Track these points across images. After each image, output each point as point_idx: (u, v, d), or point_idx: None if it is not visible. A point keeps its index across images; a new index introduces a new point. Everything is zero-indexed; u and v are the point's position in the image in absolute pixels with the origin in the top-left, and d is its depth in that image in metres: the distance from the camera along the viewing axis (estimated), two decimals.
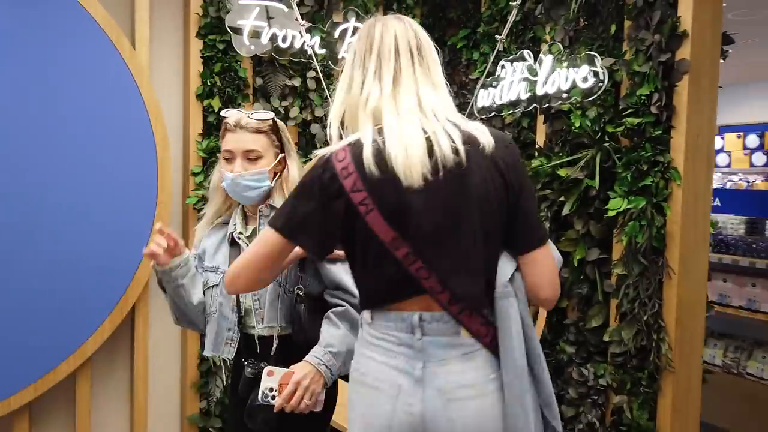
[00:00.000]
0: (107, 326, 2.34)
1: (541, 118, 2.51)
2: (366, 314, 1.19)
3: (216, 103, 2.51)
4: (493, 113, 2.72)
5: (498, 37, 2.34)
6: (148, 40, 2.40)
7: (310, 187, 1.12)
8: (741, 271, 3.54)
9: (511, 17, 2.23)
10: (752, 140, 5.55)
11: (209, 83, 2.50)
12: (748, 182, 5.71)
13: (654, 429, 2.04)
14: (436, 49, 1.20)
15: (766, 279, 3.42)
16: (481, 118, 2.80)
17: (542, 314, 2.16)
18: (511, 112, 2.61)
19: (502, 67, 2.57)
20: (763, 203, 4.01)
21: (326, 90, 2.66)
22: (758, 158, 5.56)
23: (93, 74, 2.26)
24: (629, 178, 2.04)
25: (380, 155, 1.08)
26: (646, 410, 2.05)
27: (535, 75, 2.44)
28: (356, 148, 1.10)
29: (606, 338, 2.17)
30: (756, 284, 3.44)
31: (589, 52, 2.22)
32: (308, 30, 2.60)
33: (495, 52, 2.32)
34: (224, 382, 2.57)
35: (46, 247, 2.20)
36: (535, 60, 2.50)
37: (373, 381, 1.14)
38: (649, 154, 2.01)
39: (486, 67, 2.80)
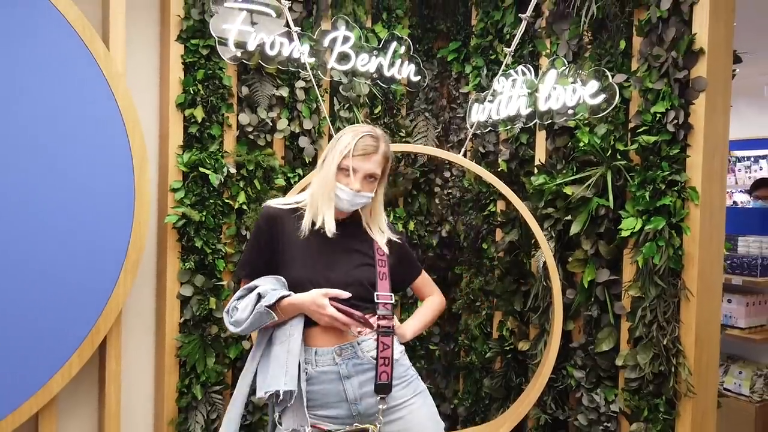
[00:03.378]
0: (75, 361, 2.08)
1: (541, 134, 2.44)
2: None
3: (198, 113, 2.30)
4: (489, 129, 2.64)
5: (507, 49, 2.25)
6: (124, 43, 2.18)
7: None
8: None
9: (520, 30, 2.15)
10: None
11: (191, 91, 2.29)
12: None
13: None
14: None
15: (741, 295, 3.48)
16: (474, 134, 2.72)
17: (556, 333, 2.06)
18: (509, 127, 2.53)
19: (498, 81, 2.50)
20: (729, 220, 4.11)
21: (317, 100, 2.50)
22: None
23: (64, 79, 2.02)
24: (647, 198, 1.98)
25: None
26: None
27: (535, 90, 2.37)
28: None
29: (619, 363, 2.10)
30: (732, 300, 3.49)
31: (598, 68, 2.17)
32: (298, 37, 2.44)
33: (503, 65, 2.23)
34: (205, 417, 2.34)
35: (6, 272, 1.94)
36: (535, 74, 2.43)
37: None
38: (666, 173, 1.96)
39: (479, 81, 2.72)
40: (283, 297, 1.50)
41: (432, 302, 1.81)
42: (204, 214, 2.32)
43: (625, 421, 2.11)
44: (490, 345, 2.62)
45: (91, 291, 2.10)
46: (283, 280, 1.58)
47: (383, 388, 1.54)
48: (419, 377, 1.67)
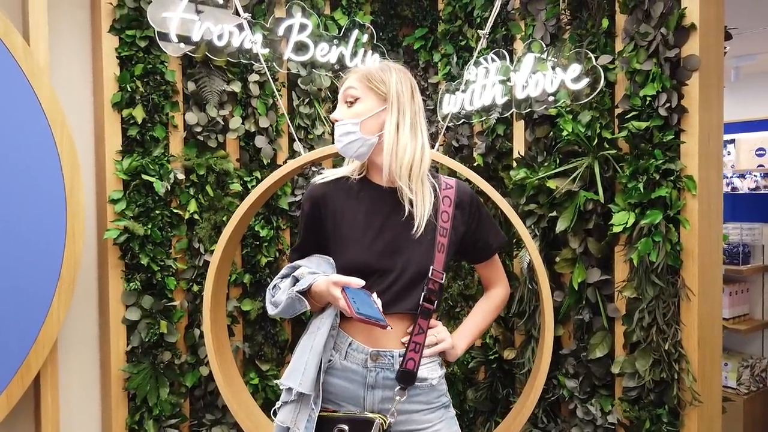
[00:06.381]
0: (3, 402, 1.81)
1: (519, 125, 2.25)
2: None
3: (138, 113, 2.04)
4: (462, 121, 2.44)
5: (481, 32, 2.05)
6: (47, 35, 1.90)
7: None
8: None
9: (495, 9, 1.95)
10: None
11: (129, 89, 2.03)
12: None
13: None
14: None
15: (725, 284, 3.37)
16: (447, 126, 2.51)
17: (548, 341, 1.86)
18: (483, 118, 2.34)
19: (474, 68, 2.29)
20: None
21: (274, 96, 2.26)
22: None
23: None
24: (640, 189, 1.81)
25: None
26: None
27: (512, 76, 2.18)
28: None
29: (615, 370, 1.92)
30: None
31: (579, 49, 1.99)
32: (249, 25, 2.19)
33: (477, 49, 2.03)
34: None
35: None
36: (510, 60, 2.24)
37: None
38: (660, 161, 1.79)
39: (449, 70, 2.52)
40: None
41: (490, 303, 1.52)
42: (149, 227, 2.06)
43: None
44: (472, 354, 2.43)
45: (19, 320, 1.83)
46: (331, 260, 1.36)
47: (406, 377, 1.29)
48: (451, 404, 1.43)
